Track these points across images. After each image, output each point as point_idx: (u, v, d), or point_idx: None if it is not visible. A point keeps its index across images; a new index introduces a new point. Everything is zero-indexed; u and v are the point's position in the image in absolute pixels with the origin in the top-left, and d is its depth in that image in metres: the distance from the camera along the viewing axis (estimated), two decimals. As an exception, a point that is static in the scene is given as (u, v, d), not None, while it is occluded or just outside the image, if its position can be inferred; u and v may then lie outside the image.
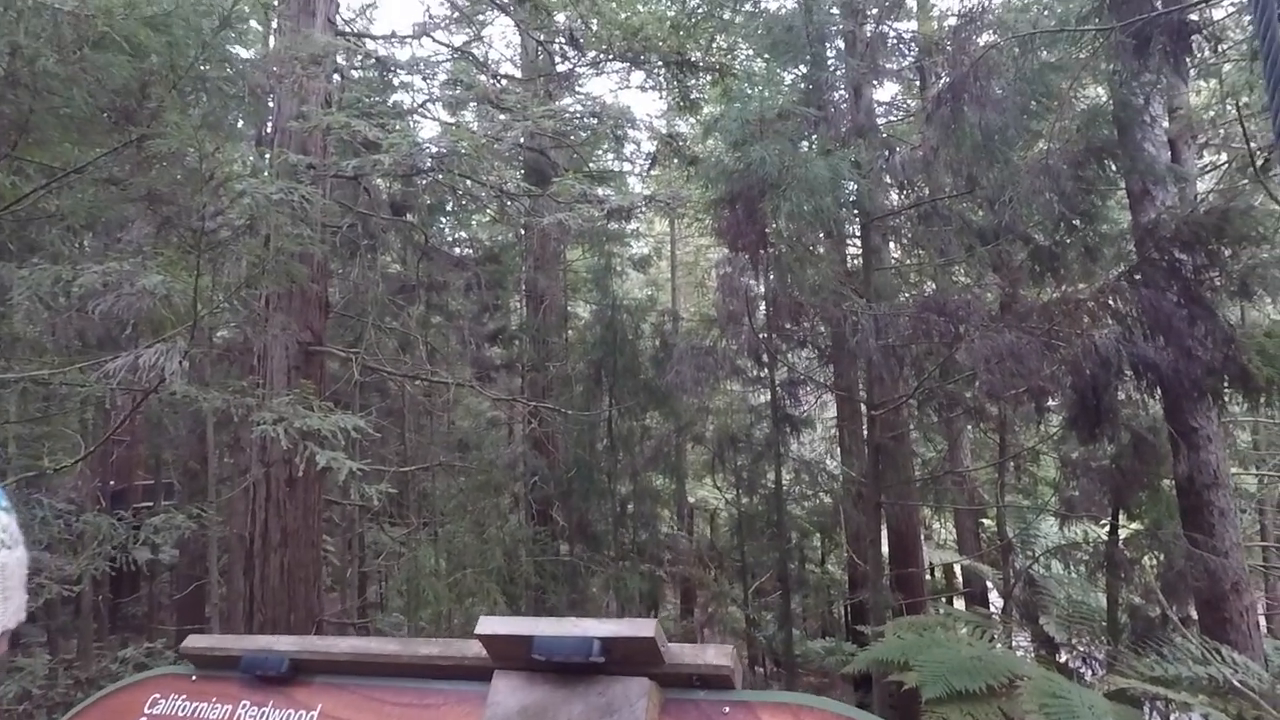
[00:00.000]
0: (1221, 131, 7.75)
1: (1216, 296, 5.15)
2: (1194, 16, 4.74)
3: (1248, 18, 5.24)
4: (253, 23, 7.63)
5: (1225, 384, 5.12)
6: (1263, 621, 7.88)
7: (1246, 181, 6.31)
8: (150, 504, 10.81)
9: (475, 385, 8.56)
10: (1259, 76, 6.47)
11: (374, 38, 8.72)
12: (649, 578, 10.11)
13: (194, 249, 3.57)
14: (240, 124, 7.08)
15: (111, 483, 11.56)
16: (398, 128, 6.16)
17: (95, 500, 8.73)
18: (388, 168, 5.80)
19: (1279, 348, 4.81)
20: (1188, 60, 4.87)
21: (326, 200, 6.28)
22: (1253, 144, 5.82)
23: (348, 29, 8.40)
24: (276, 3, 6.86)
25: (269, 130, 7.37)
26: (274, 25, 7.47)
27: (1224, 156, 8.33)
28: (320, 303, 6.55)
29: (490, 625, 1.20)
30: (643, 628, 1.07)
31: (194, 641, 1.55)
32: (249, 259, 4.48)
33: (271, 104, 6.58)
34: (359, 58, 8.40)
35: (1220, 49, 6.22)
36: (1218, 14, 6.07)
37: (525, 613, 8.90)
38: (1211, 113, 7.89)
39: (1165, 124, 6.30)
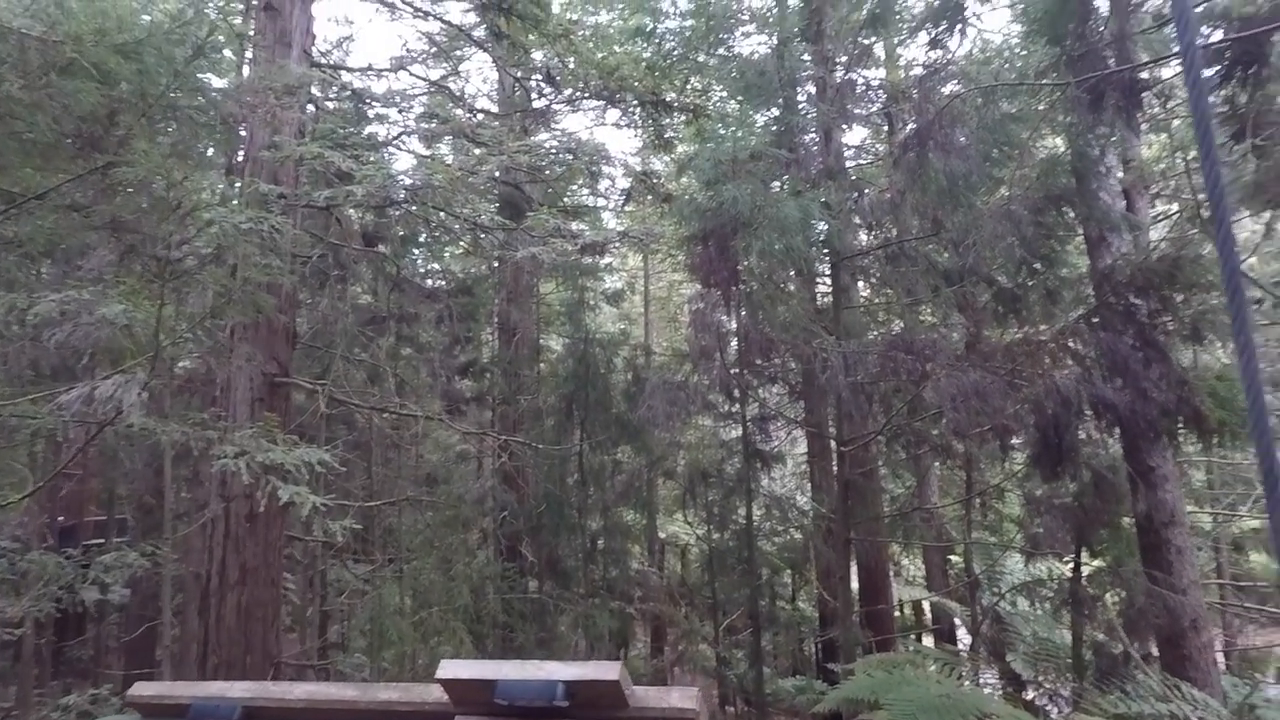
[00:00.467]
0: (1172, 183, 8.08)
1: (1170, 340, 5.32)
2: (1144, 75, 4.98)
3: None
4: (227, 52, 7.63)
5: (1180, 425, 5.26)
6: (1220, 658, 7.99)
7: (1196, 230, 6.57)
8: (101, 541, 10.42)
9: (445, 418, 8.46)
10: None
11: (350, 70, 8.77)
12: (619, 615, 9.96)
13: (158, 278, 3.51)
14: (211, 152, 7.04)
15: (60, 519, 11.14)
16: (372, 159, 6.17)
17: (42, 537, 8.40)
18: (360, 199, 5.78)
19: (1230, 391, 4.96)
20: (1139, 115, 5.09)
21: (297, 230, 6.24)
22: (1200, 195, 6.07)
23: (324, 60, 8.44)
24: (252, 33, 6.88)
25: (240, 159, 7.34)
26: (248, 55, 7.48)
27: (1175, 206, 8.68)
28: (287, 333, 6.45)
29: (452, 669, 1.17)
30: (607, 671, 1.05)
31: (141, 689, 1.49)
32: (215, 289, 4.41)
33: (244, 133, 6.55)
34: (334, 89, 8.43)
35: (1169, 105, 6.52)
36: (1166, 73, 6.39)
37: (492, 652, 8.70)
38: (1162, 165, 8.23)
39: (1120, 174, 6.55)
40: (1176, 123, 6.97)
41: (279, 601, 6.43)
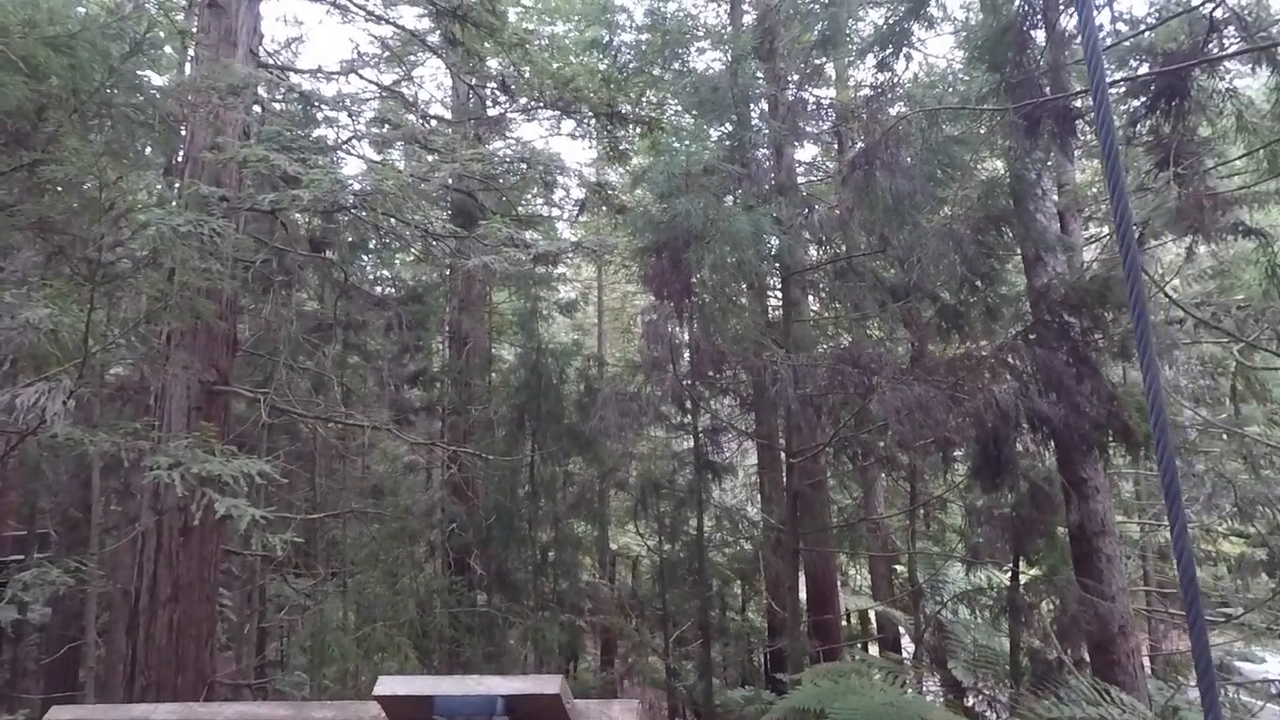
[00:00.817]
0: (1103, 207, 8.46)
1: (1101, 357, 5.55)
2: (1078, 103, 5.21)
3: (1124, 106, 5.81)
4: (168, 49, 7.39)
5: (1110, 438, 5.48)
6: (1146, 662, 8.33)
7: (1125, 251, 6.88)
8: (21, 557, 9.86)
9: (392, 428, 8.29)
10: (1133, 160, 7.12)
11: (299, 71, 8.59)
12: (569, 628, 9.86)
13: (88, 281, 3.36)
14: (149, 152, 6.79)
15: (-23, 533, 10.54)
16: (320, 163, 6.04)
17: (-44, 552, 7.93)
18: (307, 203, 5.65)
19: (1156, 404, 5.19)
20: (1073, 141, 5.33)
21: (239, 234, 6.06)
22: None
23: (271, 61, 8.24)
24: (195, 30, 6.68)
25: (180, 160, 7.10)
26: (191, 53, 7.26)
27: (1105, 229, 9.09)
28: (227, 340, 6.25)
29: (389, 685, 1.14)
30: (547, 684, 1.04)
31: (59, 713, 1.41)
32: (150, 293, 4.24)
33: (184, 133, 6.35)
34: (282, 91, 8.24)
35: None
36: (1098, 100, 6.69)
37: (439, 668, 8.53)
38: (1094, 189, 8.61)
39: (1055, 197, 6.83)
40: (1107, 149, 7.31)
41: (214, 618, 6.19)
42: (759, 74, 7.86)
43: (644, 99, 10.38)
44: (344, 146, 8.29)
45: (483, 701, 1.06)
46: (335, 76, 8.57)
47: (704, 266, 6.36)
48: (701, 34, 10.31)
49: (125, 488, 8.36)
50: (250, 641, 9.57)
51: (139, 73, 4.28)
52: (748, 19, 9.65)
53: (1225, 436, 6.93)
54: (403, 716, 1.15)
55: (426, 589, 8.82)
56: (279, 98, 8.27)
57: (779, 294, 8.45)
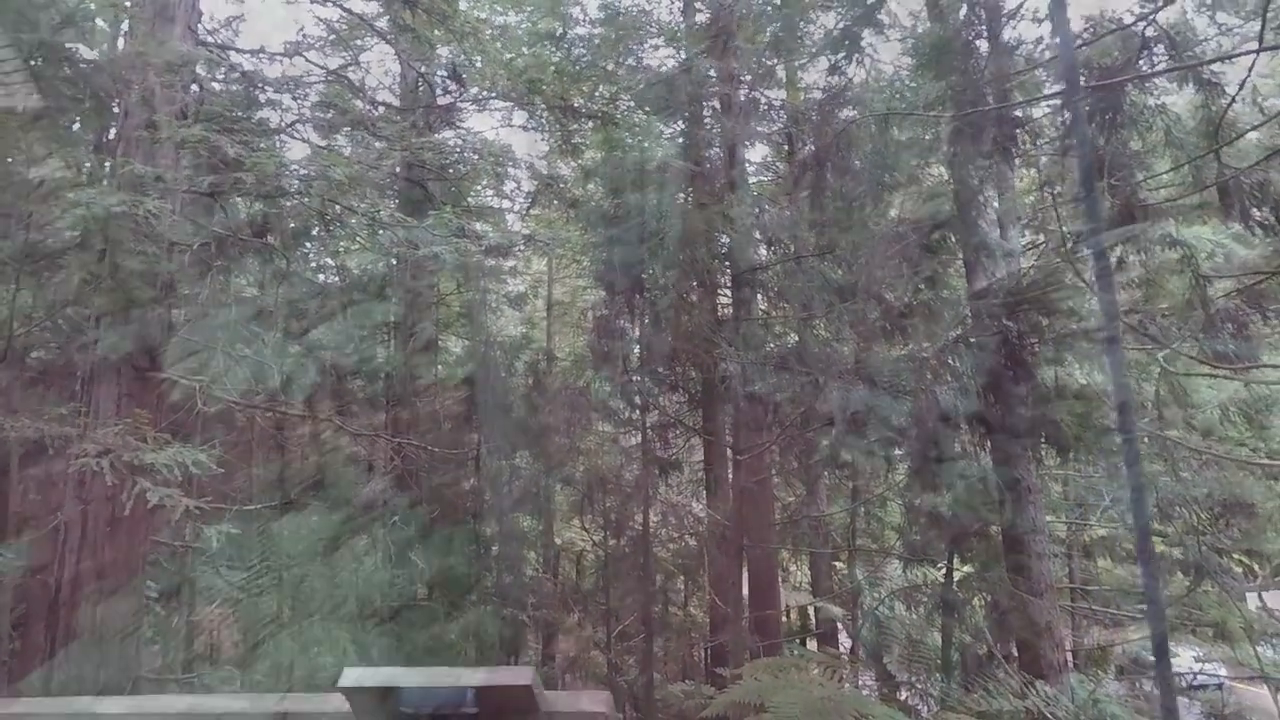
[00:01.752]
0: (1039, 215, 8.80)
1: (1036, 361, 5.78)
2: (1018, 113, 5.42)
3: (1060, 118, 6.05)
4: (99, 22, 7.02)
5: (1043, 439, 5.72)
6: (1070, 657, 8.72)
7: (1060, 260, 7.18)
8: (-72, 548, 9.25)
9: (334, 419, 8.08)
10: (1069, 170, 7.39)
11: (240, 51, 8.26)
12: (511, 622, 9.80)
13: (12, 261, 3.18)
14: (77, 128, 6.43)
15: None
16: (262, 146, 5.83)
17: None
18: (249, 187, 5.46)
19: (1086, 409, 5.45)
20: (1013, 150, 5.54)
21: (176, 217, 5.81)
22: (1064, 227, 6.65)
23: (210, 39, 7.91)
24: (129, 4, 6.36)
25: (113, 138, 6.76)
26: (125, 28, 6.90)
27: (1042, 237, 9.45)
28: (162, 325, 5.99)
29: (354, 676, 1.13)
30: (519, 675, 1.04)
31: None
32: (80, 275, 4.04)
33: (117, 110, 6.04)
34: (222, 70, 7.91)
35: (1039, 142, 7.10)
36: (1037, 113, 6.97)
37: (378, 662, 8.36)
38: (1032, 198, 8.95)
39: (996, 204, 7.07)
40: (1045, 159, 7.61)
41: (141, 612, 5.94)
42: (712, 73, 7.92)
43: (597, 93, 10.33)
44: (288, 130, 8.03)
45: (452, 693, 1.06)
46: (279, 58, 8.27)
47: (655, 263, 6.40)
48: (655, 30, 10.31)
49: (48, 477, 7.94)
50: (178, 635, 9.21)
51: (69, 45, 4.06)
52: (701, 17, 9.69)
53: (1148, 440, 7.29)
54: (367, 708, 1.13)
55: (366, 583, 8.64)
56: (219, 77, 7.95)
57: (729, 292, 8.54)
